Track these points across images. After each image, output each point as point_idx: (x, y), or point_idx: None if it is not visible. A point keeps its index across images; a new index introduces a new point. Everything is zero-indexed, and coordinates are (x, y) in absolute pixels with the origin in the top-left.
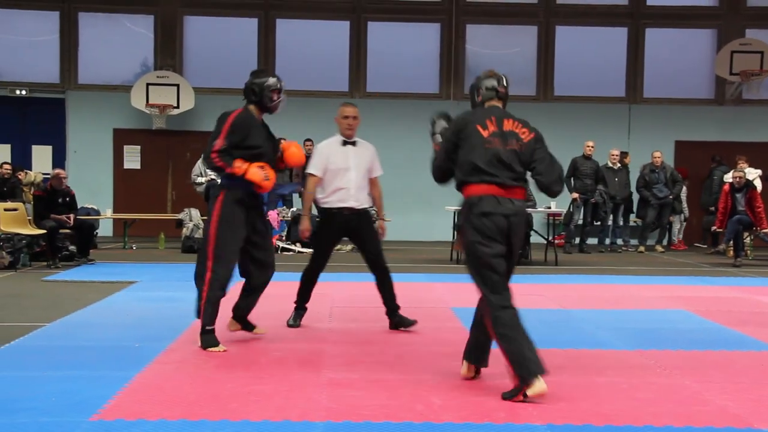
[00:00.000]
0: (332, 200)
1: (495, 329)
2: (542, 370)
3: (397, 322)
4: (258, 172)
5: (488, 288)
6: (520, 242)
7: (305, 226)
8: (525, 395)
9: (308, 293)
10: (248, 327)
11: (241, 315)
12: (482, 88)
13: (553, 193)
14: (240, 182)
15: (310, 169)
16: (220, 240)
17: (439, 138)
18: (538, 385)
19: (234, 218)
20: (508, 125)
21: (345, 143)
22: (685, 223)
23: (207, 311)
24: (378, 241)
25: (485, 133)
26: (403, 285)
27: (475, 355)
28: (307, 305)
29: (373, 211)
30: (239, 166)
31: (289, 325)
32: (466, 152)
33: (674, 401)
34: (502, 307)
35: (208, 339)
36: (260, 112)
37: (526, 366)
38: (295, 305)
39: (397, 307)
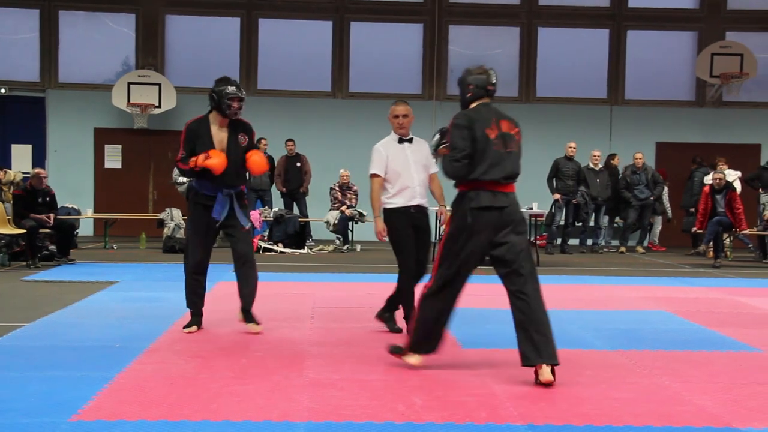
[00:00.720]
0: (398, 200)
1: (422, 303)
2: (427, 352)
3: (386, 317)
4: (201, 158)
5: (442, 277)
6: (521, 236)
7: (380, 227)
8: (402, 358)
9: (404, 302)
10: (248, 319)
11: (242, 306)
12: (473, 84)
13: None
14: (198, 185)
15: (373, 170)
16: (187, 234)
17: (440, 148)
18: (415, 359)
19: (195, 216)
20: (504, 126)
21: (401, 141)
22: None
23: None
24: (428, 241)
25: (492, 135)
26: (386, 285)
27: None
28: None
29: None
30: (192, 160)
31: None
32: (476, 151)
33: (654, 401)
34: (437, 296)
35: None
36: (219, 117)
37: (421, 340)
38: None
39: (395, 310)
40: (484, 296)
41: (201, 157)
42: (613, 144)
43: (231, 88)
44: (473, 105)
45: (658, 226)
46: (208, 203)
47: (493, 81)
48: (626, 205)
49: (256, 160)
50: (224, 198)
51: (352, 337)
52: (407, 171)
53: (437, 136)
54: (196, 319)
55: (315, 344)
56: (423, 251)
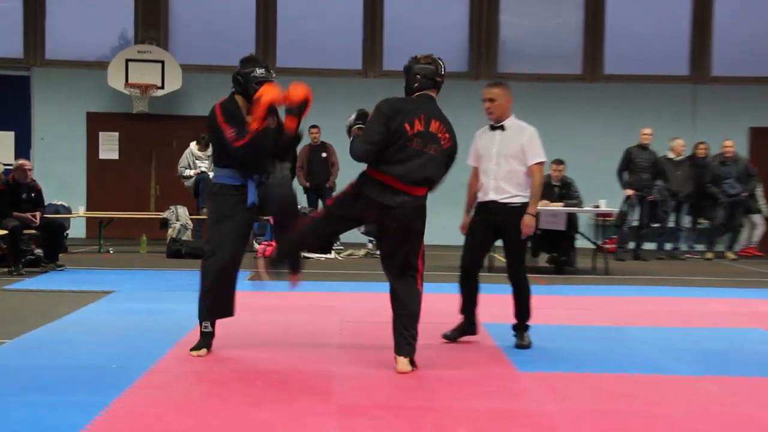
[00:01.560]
0: (480, 193)
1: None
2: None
3: (464, 329)
4: (265, 91)
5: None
6: (405, 237)
7: (462, 222)
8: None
9: (470, 300)
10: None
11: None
12: (420, 74)
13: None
14: (220, 177)
15: (468, 160)
16: (211, 230)
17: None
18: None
19: (219, 206)
20: (434, 127)
21: (493, 128)
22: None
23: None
24: (517, 244)
25: (410, 132)
26: (427, 296)
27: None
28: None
29: None
30: (252, 120)
31: (446, 337)
32: (389, 143)
33: None
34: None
35: (198, 341)
36: (246, 103)
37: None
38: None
39: (472, 315)
40: (542, 310)
41: (261, 103)
42: (697, 130)
43: (260, 71)
44: (414, 95)
45: (759, 228)
46: (234, 193)
47: (442, 72)
48: (713, 202)
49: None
50: (253, 185)
51: (387, 357)
52: (488, 161)
53: (353, 116)
54: (207, 341)
55: (344, 365)
56: (511, 253)
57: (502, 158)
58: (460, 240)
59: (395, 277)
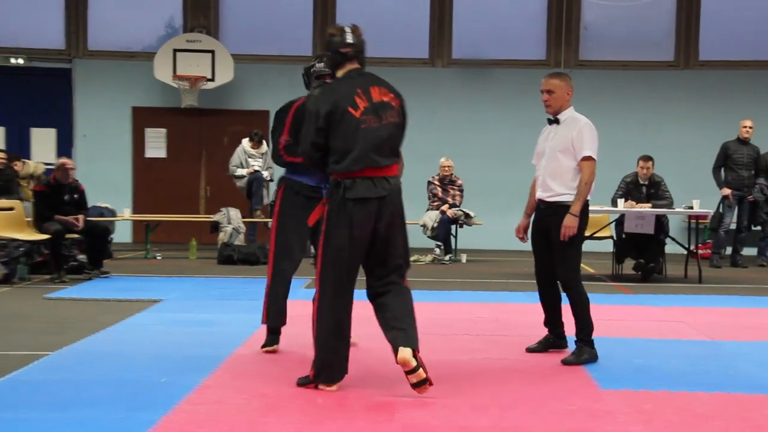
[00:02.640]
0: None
1: (318, 317)
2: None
3: (550, 342)
4: None
5: (330, 284)
6: (395, 226)
7: (518, 225)
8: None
9: (551, 311)
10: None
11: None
12: (328, 51)
13: None
14: (295, 175)
15: (533, 159)
16: (279, 235)
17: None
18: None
19: (290, 206)
20: (376, 95)
21: (550, 122)
22: None
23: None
24: (560, 247)
25: (357, 113)
26: (499, 306)
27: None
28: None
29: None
30: None
31: (529, 350)
32: (341, 138)
33: None
34: (338, 308)
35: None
36: None
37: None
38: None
39: (557, 326)
40: (626, 321)
41: None
42: None
43: (319, 65)
44: (339, 74)
45: None
46: (311, 195)
47: (348, 41)
48: None
49: None
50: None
51: (455, 371)
52: (541, 157)
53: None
54: (275, 337)
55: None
56: (556, 257)
57: (554, 154)
58: (510, 244)
59: (383, 286)
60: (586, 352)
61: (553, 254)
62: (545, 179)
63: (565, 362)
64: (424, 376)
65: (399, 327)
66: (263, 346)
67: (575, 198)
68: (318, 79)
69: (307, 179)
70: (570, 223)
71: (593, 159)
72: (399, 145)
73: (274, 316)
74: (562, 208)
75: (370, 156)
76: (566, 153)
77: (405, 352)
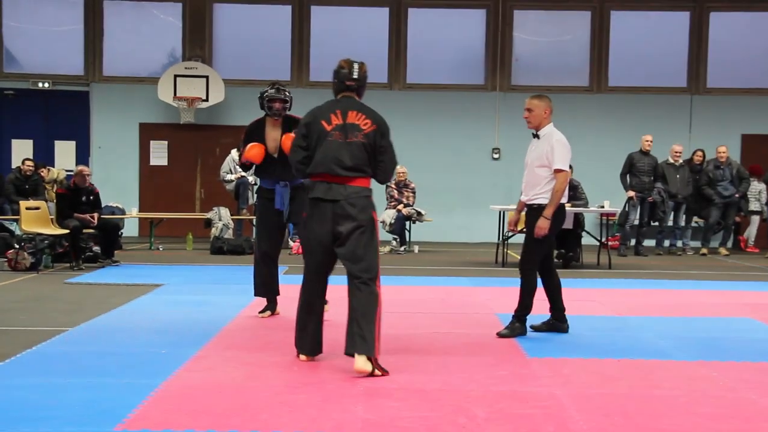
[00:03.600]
0: None
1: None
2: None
3: (551, 324)
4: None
5: (305, 266)
6: (359, 230)
7: (509, 218)
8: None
9: (552, 297)
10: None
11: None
12: (336, 79)
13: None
14: (261, 181)
15: None
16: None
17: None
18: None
19: (259, 209)
20: (351, 117)
21: (534, 136)
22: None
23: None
24: (527, 240)
25: (329, 128)
26: (445, 289)
27: None
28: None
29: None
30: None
31: (532, 327)
32: (313, 147)
33: (740, 417)
34: (309, 290)
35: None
36: (273, 119)
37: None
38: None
39: (559, 311)
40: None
41: (244, 151)
42: (693, 137)
43: (271, 91)
44: (338, 98)
45: (754, 226)
46: (269, 196)
47: (354, 76)
48: (708, 203)
49: (285, 141)
50: (282, 189)
51: (409, 344)
52: (526, 167)
53: None
54: (270, 305)
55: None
56: (523, 246)
57: (531, 165)
58: (474, 237)
59: (353, 285)
60: (518, 328)
61: (524, 246)
62: (526, 186)
63: (500, 335)
64: (379, 374)
65: (359, 333)
66: (259, 312)
67: (548, 203)
68: (269, 102)
69: (265, 183)
70: (542, 224)
71: (564, 171)
72: (363, 162)
73: (259, 289)
74: (535, 209)
75: (329, 164)
76: (542, 165)
77: (360, 361)
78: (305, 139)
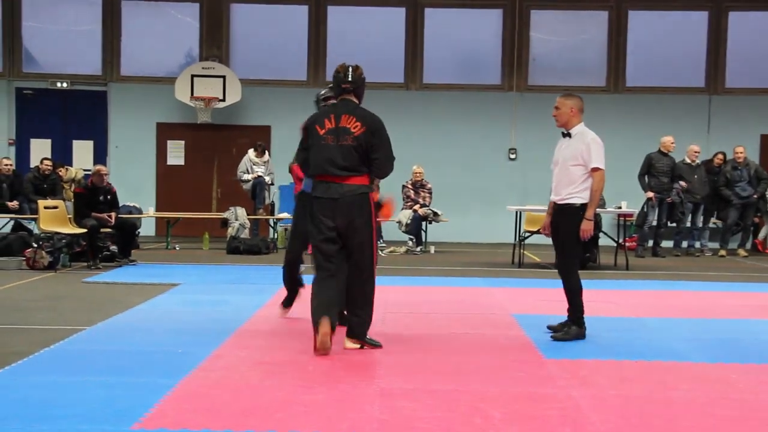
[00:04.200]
0: None
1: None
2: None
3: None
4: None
5: (314, 259)
6: (355, 225)
7: (543, 222)
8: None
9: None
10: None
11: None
12: (334, 84)
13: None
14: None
15: (551, 165)
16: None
17: None
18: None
19: (299, 214)
20: (343, 121)
21: (564, 135)
22: None
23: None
24: (561, 240)
25: (322, 132)
26: (462, 290)
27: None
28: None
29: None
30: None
31: (549, 327)
32: (309, 150)
33: (759, 419)
34: (321, 278)
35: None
36: None
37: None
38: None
39: (570, 315)
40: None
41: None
42: (711, 137)
43: (323, 91)
44: (339, 101)
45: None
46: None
47: (348, 79)
48: (726, 204)
49: (385, 212)
50: None
51: (426, 344)
52: (555, 167)
53: None
54: (288, 299)
55: (386, 352)
56: (557, 249)
57: (563, 163)
58: (491, 237)
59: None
60: (573, 330)
61: (556, 247)
62: (557, 185)
63: (554, 338)
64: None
65: (357, 314)
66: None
67: (588, 204)
68: (324, 101)
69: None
70: (586, 226)
71: (601, 169)
72: (356, 162)
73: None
74: (568, 208)
75: (324, 166)
76: (577, 164)
77: (348, 343)
78: (304, 144)
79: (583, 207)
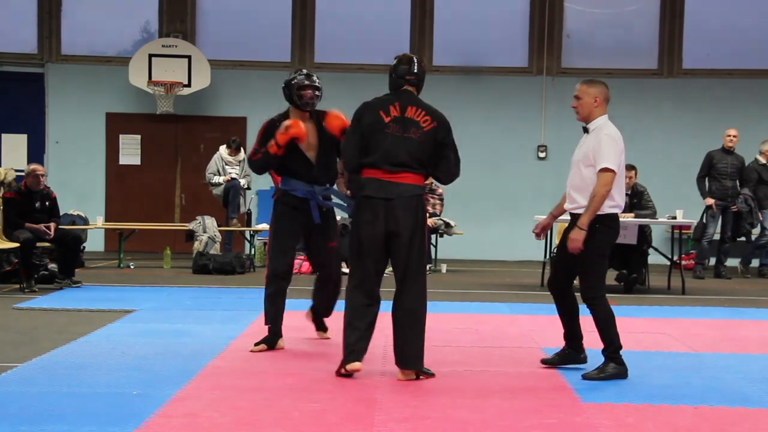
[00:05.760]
0: None
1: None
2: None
3: (567, 356)
4: (280, 133)
5: (355, 274)
6: (408, 228)
7: (540, 222)
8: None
9: (568, 324)
10: (321, 327)
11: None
12: (395, 74)
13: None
14: (286, 185)
15: None
16: (270, 237)
17: None
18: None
19: (280, 216)
20: (410, 112)
21: (584, 130)
22: None
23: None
24: (581, 260)
25: (387, 119)
26: (479, 317)
27: None
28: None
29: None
30: (270, 144)
31: (544, 362)
32: (367, 137)
33: None
34: (356, 286)
35: (263, 340)
36: (301, 111)
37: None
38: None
39: (575, 339)
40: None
41: (279, 133)
42: None
43: (300, 77)
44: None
45: None
46: (296, 204)
47: (414, 71)
48: None
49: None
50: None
51: (435, 384)
52: (570, 168)
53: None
54: (272, 337)
55: (388, 392)
56: (579, 272)
57: (576, 164)
58: (514, 254)
59: (399, 288)
60: (611, 368)
61: (576, 268)
62: (569, 190)
63: (586, 377)
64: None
65: (412, 340)
66: (255, 344)
67: (585, 211)
68: (299, 90)
69: (295, 191)
70: (576, 236)
71: (610, 171)
72: (419, 159)
73: (271, 319)
74: (575, 217)
75: (383, 158)
76: (589, 165)
77: (404, 375)
78: (357, 131)
79: (600, 218)
